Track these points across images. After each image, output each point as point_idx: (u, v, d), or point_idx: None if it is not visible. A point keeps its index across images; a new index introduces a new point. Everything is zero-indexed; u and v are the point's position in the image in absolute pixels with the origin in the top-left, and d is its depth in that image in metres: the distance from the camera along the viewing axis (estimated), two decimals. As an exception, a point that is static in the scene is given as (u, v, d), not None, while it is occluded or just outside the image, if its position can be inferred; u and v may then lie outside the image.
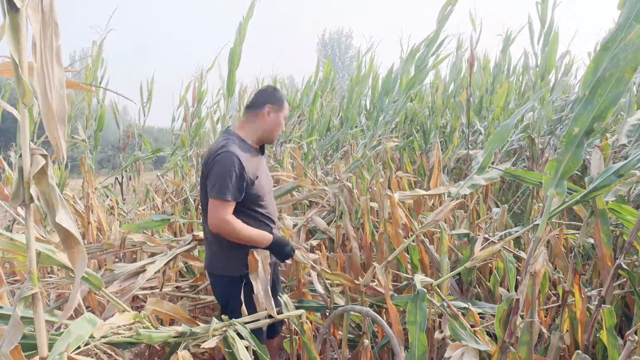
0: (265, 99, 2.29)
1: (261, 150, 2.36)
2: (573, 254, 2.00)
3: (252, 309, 2.01)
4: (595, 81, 1.19)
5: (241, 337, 1.78)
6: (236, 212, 2.13)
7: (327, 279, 2.47)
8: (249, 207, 2.19)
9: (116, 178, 6.17)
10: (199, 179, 2.25)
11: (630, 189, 2.50)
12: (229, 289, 2.18)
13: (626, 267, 1.99)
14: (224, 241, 2.14)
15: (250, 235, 2.14)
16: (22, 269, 2.75)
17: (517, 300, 1.40)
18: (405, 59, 4.62)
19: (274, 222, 2.36)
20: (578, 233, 2.61)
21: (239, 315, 1.95)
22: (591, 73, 1.21)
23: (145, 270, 2.13)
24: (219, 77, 5.61)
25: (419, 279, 1.95)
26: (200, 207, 2.32)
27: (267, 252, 2.19)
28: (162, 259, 2.29)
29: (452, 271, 2.66)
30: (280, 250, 2.23)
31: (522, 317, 1.68)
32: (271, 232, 2.28)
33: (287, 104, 2.35)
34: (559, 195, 1.31)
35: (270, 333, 2.36)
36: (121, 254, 3.10)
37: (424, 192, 2.89)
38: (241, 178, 2.09)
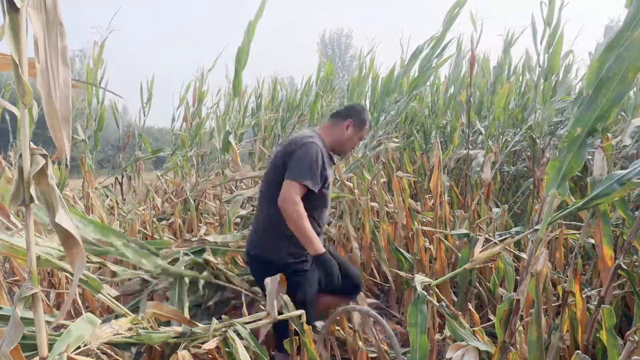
0: (351, 113, 2.41)
1: (332, 159, 2.43)
2: (573, 254, 2.00)
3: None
4: (599, 81, 1.18)
5: (241, 338, 1.78)
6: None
7: None
8: (310, 204, 2.22)
9: (116, 178, 6.16)
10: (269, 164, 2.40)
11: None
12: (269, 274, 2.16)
13: (626, 267, 1.99)
14: (280, 229, 2.19)
15: (308, 231, 2.14)
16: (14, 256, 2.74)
17: (518, 300, 1.39)
18: (407, 60, 4.61)
19: (320, 229, 2.38)
20: (578, 233, 2.60)
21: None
22: (595, 73, 1.20)
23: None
24: (225, 77, 5.58)
25: (419, 279, 1.94)
26: (262, 191, 2.42)
27: None
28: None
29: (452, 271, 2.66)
30: (326, 268, 2.18)
31: (521, 317, 1.68)
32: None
33: (369, 127, 2.44)
34: (560, 196, 1.30)
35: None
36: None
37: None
38: (321, 170, 2.20)
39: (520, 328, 1.92)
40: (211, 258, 2.54)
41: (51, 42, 0.94)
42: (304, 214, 2.13)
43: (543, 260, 1.36)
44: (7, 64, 0.96)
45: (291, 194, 2.11)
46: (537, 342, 1.44)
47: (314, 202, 2.25)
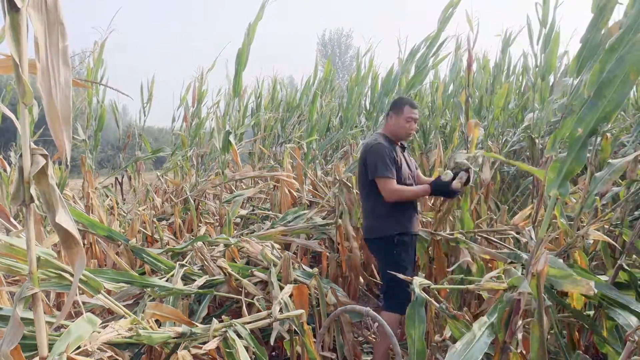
0: (390, 107, 2.94)
1: (401, 146, 2.94)
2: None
3: (402, 268, 2.53)
4: (600, 82, 1.18)
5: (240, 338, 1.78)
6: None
7: None
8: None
9: (116, 178, 6.16)
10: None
11: (630, 188, 2.50)
12: (385, 248, 2.75)
13: (626, 267, 1.99)
14: (378, 210, 2.77)
15: (416, 193, 2.80)
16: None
17: (519, 300, 1.39)
18: (405, 59, 4.62)
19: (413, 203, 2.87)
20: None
21: (396, 271, 2.36)
22: (596, 74, 1.20)
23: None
24: (225, 78, 5.59)
25: (417, 281, 1.90)
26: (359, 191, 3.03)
27: None
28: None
29: (452, 274, 2.65)
30: (442, 191, 2.73)
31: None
32: (413, 209, 2.86)
33: (412, 107, 2.83)
34: (561, 196, 1.30)
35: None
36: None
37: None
38: (392, 160, 2.73)
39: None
40: (225, 265, 2.50)
41: (52, 42, 0.94)
42: (401, 188, 2.72)
43: (544, 260, 1.36)
44: (8, 67, 0.96)
45: (386, 188, 2.69)
46: (539, 342, 1.44)
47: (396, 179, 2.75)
